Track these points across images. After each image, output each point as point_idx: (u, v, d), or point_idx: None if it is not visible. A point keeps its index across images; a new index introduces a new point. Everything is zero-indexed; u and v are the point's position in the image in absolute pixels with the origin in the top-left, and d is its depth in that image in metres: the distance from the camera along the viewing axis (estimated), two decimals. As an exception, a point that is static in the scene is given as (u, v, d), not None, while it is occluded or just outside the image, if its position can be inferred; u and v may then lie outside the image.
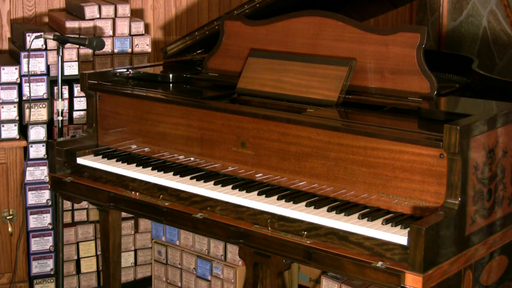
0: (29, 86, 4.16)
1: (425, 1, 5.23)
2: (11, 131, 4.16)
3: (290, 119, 3.07)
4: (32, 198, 4.24)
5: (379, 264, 2.65)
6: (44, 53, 4.19)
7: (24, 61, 4.14)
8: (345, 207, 2.87)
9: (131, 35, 4.45)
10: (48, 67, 4.20)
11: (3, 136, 4.15)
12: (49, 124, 4.23)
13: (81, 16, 4.40)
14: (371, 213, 2.80)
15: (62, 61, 3.93)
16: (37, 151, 4.22)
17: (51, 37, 3.98)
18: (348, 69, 3.23)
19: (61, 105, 3.94)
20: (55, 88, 4.07)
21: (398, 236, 2.64)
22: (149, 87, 3.66)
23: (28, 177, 4.22)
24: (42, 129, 4.22)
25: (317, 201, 2.94)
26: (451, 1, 5.04)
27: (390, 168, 2.82)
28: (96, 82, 3.73)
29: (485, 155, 2.76)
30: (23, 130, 4.22)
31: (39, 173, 4.23)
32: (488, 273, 2.93)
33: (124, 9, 4.43)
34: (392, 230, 2.68)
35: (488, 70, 3.71)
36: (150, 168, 3.40)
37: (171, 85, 3.72)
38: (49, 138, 4.21)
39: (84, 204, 4.32)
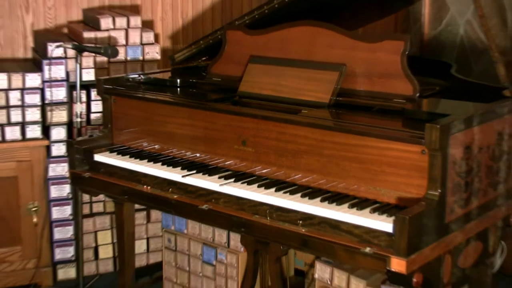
0: (51, 90, 4.16)
1: (408, 12, 5.23)
2: (34, 131, 4.16)
3: (287, 120, 3.06)
4: (54, 191, 4.24)
5: (367, 250, 2.64)
6: (64, 61, 4.19)
7: (46, 68, 4.14)
8: (336, 198, 2.86)
9: (142, 44, 4.45)
10: (67, 73, 4.20)
11: (28, 136, 4.15)
12: (69, 125, 4.23)
13: (97, 27, 4.40)
14: (360, 203, 2.80)
15: (80, 68, 3.94)
16: (58, 149, 4.22)
17: (70, 46, 3.99)
18: (339, 74, 3.23)
19: (79, 107, 3.95)
20: (74, 92, 4.07)
21: (385, 224, 2.63)
22: (158, 91, 3.65)
23: (51, 173, 4.22)
24: (63, 130, 4.22)
25: (311, 192, 2.93)
26: (431, 12, 5.04)
27: (378, 163, 2.82)
28: (110, 86, 3.73)
29: (462, 151, 2.77)
30: (46, 131, 4.22)
31: (60, 169, 4.23)
32: (465, 257, 2.93)
33: (136, 21, 4.43)
34: (379, 219, 2.67)
35: (465, 74, 3.70)
36: (160, 163, 3.39)
37: (178, 89, 3.72)
38: (69, 138, 4.21)
39: (101, 197, 4.32)
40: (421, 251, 2.60)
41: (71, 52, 4.19)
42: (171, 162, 3.39)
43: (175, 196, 3.26)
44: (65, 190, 4.25)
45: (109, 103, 3.73)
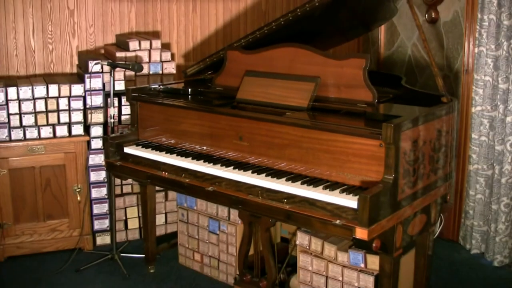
0: (91, 98, 4.13)
1: (368, 36, 5.21)
2: (78, 129, 4.13)
3: (274, 120, 3.05)
4: (93, 176, 4.21)
5: (338, 222, 2.63)
6: (101, 74, 4.15)
7: (87, 80, 4.11)
8: (313, 181, 2.85)
9: (161, 61, 4.43)
10: (103, 84, 4.17)
11: (73, 133, 4.12)
12: (105, 124, 4.19)
13: (126, 49, 4.38)
14: (332, 186, 2.79)
15: (113, 80, 3.91)
16: (97, 143, 4.19)
17: (106, 63, 3.96)
18: (314, 84, 3.20)
19: (112, 111, 3.92)
20: (109, 99, 4.04)
21: (351, 202, 2.63)
22: (174, 98, 3.63)
23: (90, 162, 4.19)
24: (100, 128, 4.18)
25: (293, 177, 2.92)
26: (386, 37, 5.02)
27: (345, 154, 2.80)
28: (137, 94, 3.71)
29: (411, 144, 2.75)
30: (87, 129, 4.19)
31: (98, 159, 4.20)
32: (413, 226, 2.91)
33: (156, 43, 4.41)
34: (347, 198, 2.66)
35: (412, 85, 3.68)
36: (175, 155, 3.38)
37: (189, 96, 3.69)
38: (104, 135, 4.17)
39: (129, 180, 4.29)
40: (379, 222, 2.60)
41: (106, 68, 4.16)
42: (184, 154, 3.37)
43: (187, 180, 3.25)
44: (102, 175, 4.23)
45: (136, 107, 3.72)
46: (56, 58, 4.63)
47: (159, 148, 3.51)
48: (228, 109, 3.32)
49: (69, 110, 4.10)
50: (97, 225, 4.30)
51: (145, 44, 4.38)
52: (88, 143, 4.18)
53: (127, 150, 3.58)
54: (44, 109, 4.05)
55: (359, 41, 5.41)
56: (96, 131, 4.18)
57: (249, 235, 3.37)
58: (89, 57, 4.30)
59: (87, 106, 4.13)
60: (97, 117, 4.16)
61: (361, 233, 2.55)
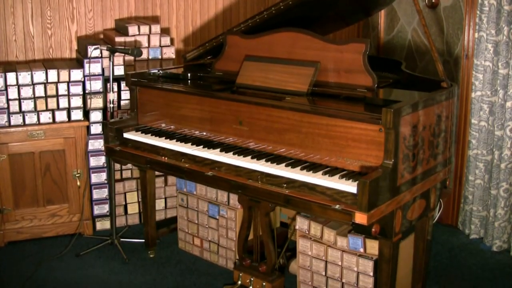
0: (90, 83, 4.11)
1: (368, 21, 5.19)
2: (77, 114, 4.12)
3: (274, 105, 3.04)
4: (93, 161, 4.21)
5: (337, 206, 2.64)
6: (100, 60, 4.13)
7: (86, 65, 4.09)
8: (312, 167, 2.85)
9: (161, 46, 4.41)
10: (103, 69, 4.15)
11: (72, 118, 4.12)
12: (104, 109, 4.19)
13: (126, 34, 4.36)
14: (331, 171, 2.79)
15: (113, 65, 3.90)
16: (96, 128, 4.18)
17: (105, 48, 3.95)
18: (314, 69, 3.19)
19: (112, 96, 3.92)
20: (108, 84, 4.03)
21: (350, 187, 2.63)
22: (174, 83, 3.62)
23: (90, 147, 4.19)
24: (99, 113, 4.18)
25: (292, 162, 2.92)
26: (386, 22, 5.00)
27: (344, 139, 2.80)
28: (136, 79, 3.70)
29: (410, 129, 2.75)
30: (86, 114, 4.18)
31: (98, 144, 4.19)
32: (412, 211, 2.92)
33: (156, 28, 4.39)
34: (346, 183, 2.67)
35: (412, 70, 3.67)
36: (174, 140, 3.37)
37: (189, 81, 3.68)
38: (104, 120, 4.17)
39: (129, 165, 4.29)
40: (378, 207, 2.60)
41: (105, 53, 4.15)
42: (183, 139, 3.37)
43: (187, 165, 3.25)
44: (101, 160, 4.22)
45: (135, 92, 3.71)
46: (55, 43, 4.61)
47: (158, 133, 3.51)
48: (227, 94, 3.31)
49: (69, 95, 4.09)
50: (97, 210, 4.30)
51: (145, 29, 4.37)
52: (88, 128, 4.17)
53: (126, 135, 3.58)
54: (43, 95, 4.04)
55: (359, 26, 5.39)
56: (96, 116, 4.17)
57: (248, 220, 3.38)
58: (88, 42, 4.28)
59: (87, 91, 4.13)
60: (97, 102, 4.16)
61: (360, 218, 2.55)
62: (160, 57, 4.41)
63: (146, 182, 3.83)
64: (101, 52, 4.17)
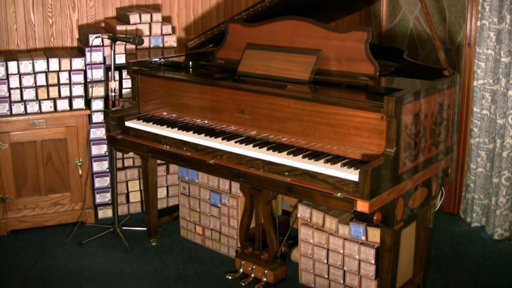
0: (91, 71, 4.11)
1: (370, 10, 5.17)
2: (79, 103, 4.12)
3: (275, 93, 3.04)
4: (95, 150, 4.22)
5: (339, 194, 2.64)
6: (101, 48, 4.13)
7: (87, 54, 4.09)
8: (314, 155, 2.85)
9: (162, 35, 4.40)
10: (104, 58, 4.15)
11: (74, 107, 4.12)
12: (106, 98, 4.18)
13: (127, 22, 4.35)
14: (333, 159, 2.79)
15: (114, 54, 3.89)
16: (98, 117, 4.18)
17: (106, 37, 3.94)
18: (316, 57, 3.19)
19: (113, 84, 3.91)
20: (109, 73, 4.03)
21: (352, 175, 2.63)
22: (175, 71, 3.62)
23: (92, 136, 4.19)
24: (101, 102, 4.18)
25: (294, 151, 2.92)
26: (388, 10, 4.99)
27: (346, 127, 2.80)
28: (137, 68, 3.70)
29: (412, 118, 2.75)
30: (88, 103, 4.18)
31: (99, 132, 4.20)
32: (413, 200, 2.92)
33: (157, 16, 4.38)
34: (348, 171, 2.67)
35: (413, 58, 3.66)
36: (176, 128, 3.38)
37: (191, 69, 3.68)
38: (105, 108, 4.17)
39: (131, 154, 4.29)
40: (380, 195, 2.60)
41: (107, 42, 4.14)
42: (185, 127, 3.38)
43: (189, 153, 3.25)
44: (103, 149, 4.23)
45: (137, 81, 3.71)
46: (57, 32, 4.60)
47: (160, 121, 3.51)
48: (229, 82, 3.31)
49: (70, 84, 4.09)
50: (99, 198, 4.31)
51: (146, 17, 4.36)
52: (89, 117, 4.17)
53: (128, 124, 3.58)
54: (45, 83, 4.04)
55: (361, 14, 5.38)
56: (97, 105, 4.17)
57: (250, 208, 3.39)
58: (90, 31, 4.28)
59: (88, 80, 4.13)
60: (98, 90, 4.16)
61: (362, 206, 2.55)
62: (161, 45, 4.40)
63: (148, 170, 3.84)
64: (102, 41, 4.17)
